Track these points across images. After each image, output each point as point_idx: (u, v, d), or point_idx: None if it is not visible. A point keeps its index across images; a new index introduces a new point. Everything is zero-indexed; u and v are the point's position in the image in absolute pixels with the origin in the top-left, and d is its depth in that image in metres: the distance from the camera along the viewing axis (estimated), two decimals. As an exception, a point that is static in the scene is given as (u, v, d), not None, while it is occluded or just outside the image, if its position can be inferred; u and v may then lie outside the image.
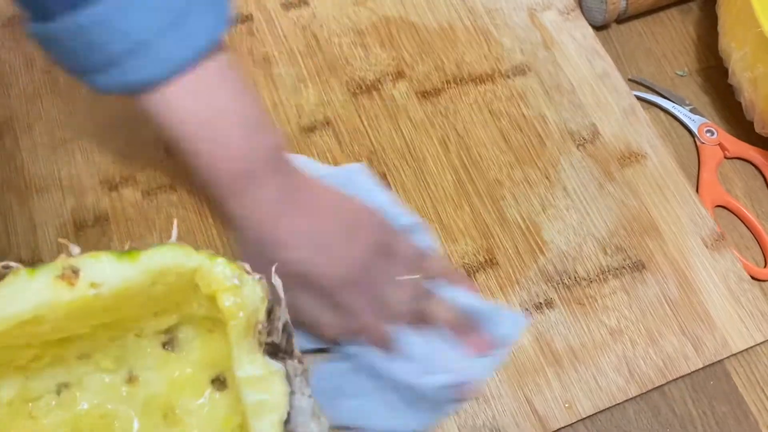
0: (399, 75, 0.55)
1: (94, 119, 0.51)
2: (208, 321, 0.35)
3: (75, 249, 0.31)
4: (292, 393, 0.30)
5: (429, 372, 0.41)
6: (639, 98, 0.57)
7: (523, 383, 0.44)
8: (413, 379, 0.41)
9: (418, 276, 0.42)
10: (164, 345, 0.35)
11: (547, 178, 0.52)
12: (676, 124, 0.57)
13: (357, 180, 0.47)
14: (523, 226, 0.50)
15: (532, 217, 0.50)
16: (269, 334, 0.31)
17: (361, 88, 0.54)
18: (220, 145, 0.37)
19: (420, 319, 0.42)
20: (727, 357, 0.47)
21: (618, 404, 0.45)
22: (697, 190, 0.54)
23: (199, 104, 0.36)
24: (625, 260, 0.49)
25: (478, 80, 0.55)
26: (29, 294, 0.29)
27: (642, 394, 0.45)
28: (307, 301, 0.40)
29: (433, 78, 0.55)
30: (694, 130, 0.56)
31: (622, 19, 0.61)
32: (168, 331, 0.35)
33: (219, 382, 0.34)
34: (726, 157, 0.56)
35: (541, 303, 0.47)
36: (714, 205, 0.53)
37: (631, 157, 0.53)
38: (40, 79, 0.52)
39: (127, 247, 0.33)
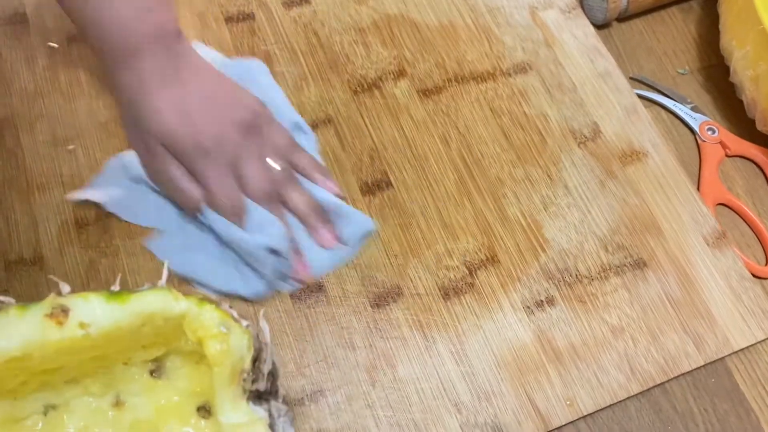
0: (400, 73, 0.55)
1: (96, 117, 0.51)
2: (195, 354, 0.35)
3: (65, 287, 0.31)
4: None
5: (270, 236, 0.44)
6: (640, 96, 0.57)
7: (524, 381, 0.44)
8: (246, 237, 0.43)
9: (282, 162, 0.46)
10: (152, 372, 0.35)
11: (548, 176, 0.52)
12: (677, 122, 0.57)
13: (254, 75, 0.51)
14: (524, 224, 0.50)
15: (534, 214, 0.50)
16: (254, 381, 0.31)
17: (363, 86, 0.54)
18: (112, 19, 0.41)
19: (275, 202, 0.45)
20: (729, 354, 0.47)
21: (619, 402, 0.45)
22: (698, 188, 0.54)
23: None
24: (626, 258, 0.49)
25: (479, 78, 0.55)
26: (18, 332, 0.29)
27: (643, 391, 0.45)
28: (170, 169, 0.44)
29: (435, 76, 0.55)
30: (696, 128, 0.56)
31: (623, 18, 0.61)
32: (156, 360, 0.35)
33: (204, 411, 0.35)
34: (727, 155, 0.56)
35: (542, 300, 0.47)
36: (715, 203, 0.53)
37: (632, 155, 0.53)
38: (42, 77, 0.52)
39: (116, 286, 0.33)
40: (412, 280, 0.47)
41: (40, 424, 0.33)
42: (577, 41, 0.57)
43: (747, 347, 0.47)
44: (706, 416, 0.45)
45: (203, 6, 0.56)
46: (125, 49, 0.42)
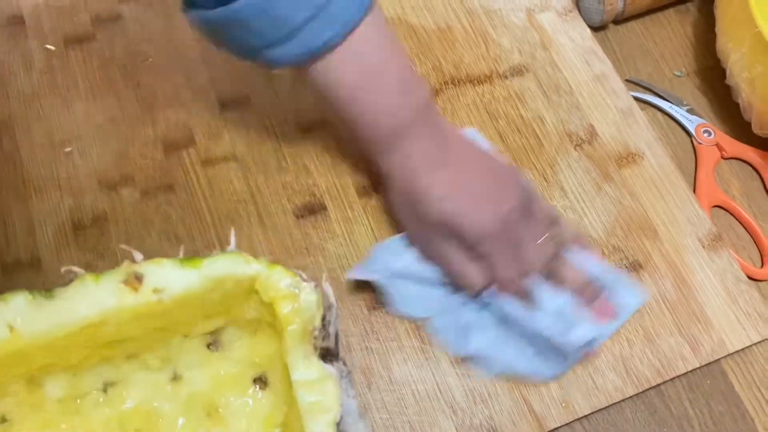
0: (397, 75, 0.55)
1: (93, 119, 0.51)
2: (253, 323, 0.36)
3: (138, 255, 0.32)
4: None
5: (568, 328, 0.43)
6: (636, 99, 0.57)
7: (520, 383, 0.44)
8: (554, 333, 0.43)
9: (553, 238, 0.44)
10: (208, 345, 0.36)
11: (544, 178, 0.52)
12: (673, 124, 0.57)
13: (476, 140, 0.49)
14: (520, 227, 0.50)
15: (530, 217, 0.50)
16: (323, 339, 0.32)
17: (359, 88, 0.54)
18: (378, 103, 0.40)
19: (550, 278, 0.44)
20: (724, 357, 0.47)
21: (615, 404, 0.45)
22: (694, 191, 0.54)
23: (361, 64, 0.38)
24: (622, 260, 0.49)
25: (476, 81, 0.55)
26: (96, 298, 0.30)
27: (639, 393, 0.45)
28: (450, 252, 0.43)
29: (431, 79, 0.55)
30: (692, 130, 0.56)
31: (619, 20, 0.61)
32: (213, 332, 0.36)
33: (261, 382, 0.35)
34: (723, 158, 0.56)
35: (538, 303, 0.47)
36: (711, 205, 0.53)
37: (628, 158, 0.53)
38: (39, 79, 0.52)
39: (181, 254, 0.33)
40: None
41: (101, 400, 0.33)
42: (574, 44, 0.58)
43: (742, 349, 0.47)
44: (702, 418, 0.45)
45: (200, 8, 0.56)
46: (391, 134, 0.41)
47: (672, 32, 0.62)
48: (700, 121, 0.57)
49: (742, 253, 0.52)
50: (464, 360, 0.44)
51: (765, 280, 0.51)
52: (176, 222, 0.48)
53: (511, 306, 0.43)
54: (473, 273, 0.43)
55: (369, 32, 0.38)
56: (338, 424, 0.31)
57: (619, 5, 0.58)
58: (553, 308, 0.43)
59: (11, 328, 0.29)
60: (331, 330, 0.33)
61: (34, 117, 0.51)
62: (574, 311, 0.44)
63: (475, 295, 0.44)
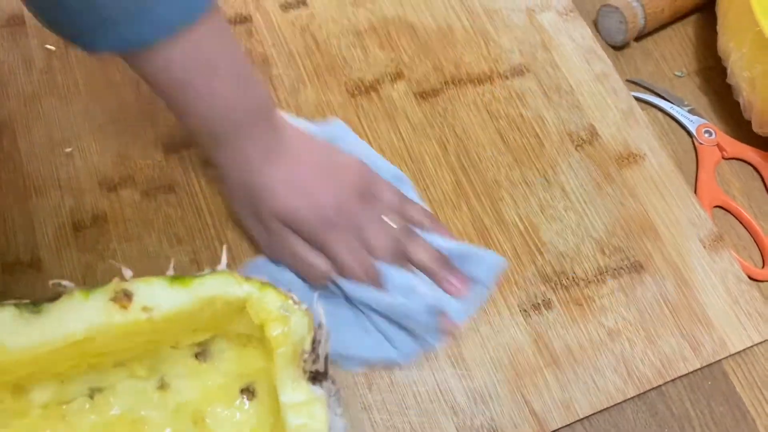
0: (397, 76, 0.55)
1: (93, 120, 0.51)
2: (242, 337, 0.36)
3: (128, 272, 0.32)
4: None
5: (420, 304, 0.43)
6: (637, 99, 0.57)
7: (521, 384, 0.44)
8: (407, 311, 0.43)
9: (398, 219, 0.45)
10: (197, 356, 0.36)
11: (545, 179, 0.52)
12: (674, 124, 0.57)
13: (339, 134, 0.50)
14: (521, 227, 0.50)
15: (531, 217, 0.50)
16: (313, 362, 0.32)
17: (360, 88, 0.54)
18: (211, 100, 0.39)
19: (401, 259, 0.45)
20: (725, 357, 0.47)
21: (616, 404, 0.45)
22: (695, 191, 0.54)
23: (192, 62, 0.37)
24: (623, 261, 0.49)
25: (476, 81, 0.55)
26: (83, 315, 0.30)
27: (640, 394, 0.45)
28: (292, 244, 0.43)
29: (432, 79, 0.55)
30: (693, 130, 0.56)
31: (640, 37, 0.60)
32: (201, 343, 0.36)
33: (248, 392, 0.35)
34: (724, 158, 0.56)
35: (539, 303, 0.47)
36: (712, 205, 0.53)
37: (629, 158, 0.53)
38: (39, 79, 0.52)
39: (171, 271, 0.33)
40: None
41: (87, 406, 0.33)
42: (575, 43, 0.58)
43: (743, 350, 0.47)
44: (703, 419, 0.45)
45: (201, 8, 0.56)
46: (226, 129, 0.41)
47: (673, 32, 0.62)
48: (701, 121, 0.57)
49: (743, 253, 0.52)
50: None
51: (766, 281, 0.50)
52: (176, 222, 0.48)
53: (360, 290, 0.43)
54: (317, 262, 0.43)
55: (201, 33, 0.36)
56: None
57: (641, 22, 0.58)
58: (403, 287, 0.44)
59: None
60: (321, 351, 0.33)
61: (34, 117, 0.51)
62: (426, 288, 0.44)
63: (323, 286, 0.44)
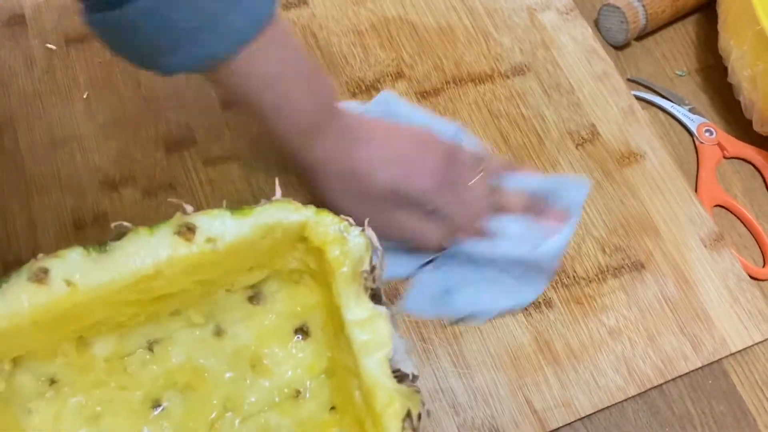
0: (398, 75, 0.55)
1: (94, 119, 0.51)
2: (294, 274, 0.36)
3: (189, 207, 0.32)
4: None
5: (536, 244, 0.45)
6: (638, 98, 0.57)
7: (522, 383, 0.44)
8: (525, 252, 0.45)
9: (482, 175, 0.46)
10: (250, 299, 0.36)
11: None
12: (675, 123, 0.57)
13: (393, 106, 0.52)
14: (522, 226, 0.50)
15: (531, 216, 0.50)
16: (372, 281, 0.33)
17: (361, 88, 0.54)
18: (290, 105, 0.40)
19: (499, 211, 0.47)
20: (726, 356, 0.47)
21: (617, 403, 0.45)
22: (695, 190, 0.54)
23: (265, 70, 0.38)
24: (623, 260, 0.49)
25: (477, 80, 0.55)
26: (150, 250, 0.30)
27: (641, 393, 0.45)
28: (403, 218, 0.44)
29: (433, 78, 0.55)
30: (693, 129, 0.56)
31: (641, 36, 0.60)
32: (254, 286, 0.36)
33: (302, 332, 0.36)
34: (725, 157, 0.56)
35: (539, 302, 0.47)
36: (713, 204, 0.53)
37: (630, 157, 0.53)
38: (40, 79, 0.52)
39: (278, 193, 0.34)
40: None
41: (147, 357, 0.34)
42: (575, 43, 0.58)
43: (744, 349, 0.47)
44: (704, 418, 0.45)
45: (201, 8, 0.56)
46: (314, 123, 0.41)
47: (673, 31, 0.62)
48: (702, 120, 0.57)
49: (743, 252, 0.52)
50: (454, 322, 0.46)
51: (767, 280, 0.50)
52: (177, 221, 0.48)
53: (478, 246, 0.45)
54: (432, 229, 0.45)
55: (270, 39, 0.37)
56: (390, 360, 0.31)
57: (642, 22, 0.58)
58: (514, 233, 0.46)
59: (69, 283, 0.29)
60: (377, 273, 0.33)
61: (35, 116, 0.51)
62: (534, 228, 0.46)
63: (439, 250, 0.46)
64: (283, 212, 0.33)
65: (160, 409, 0.34)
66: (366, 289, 0.32)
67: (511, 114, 0.54)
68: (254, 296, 0.36)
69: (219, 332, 0.35)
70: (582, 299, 0.47)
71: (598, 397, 0.44)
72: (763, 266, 0.51)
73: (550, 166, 0.52)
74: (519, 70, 0.56)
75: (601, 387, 0.45)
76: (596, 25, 0.60)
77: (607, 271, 0.49)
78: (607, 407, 0.45)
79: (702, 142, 0.56)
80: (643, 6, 0.57)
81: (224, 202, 0.34)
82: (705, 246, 0.50)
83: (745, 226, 0.53)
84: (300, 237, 0.33)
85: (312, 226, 0.33)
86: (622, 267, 0.49)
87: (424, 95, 0.54)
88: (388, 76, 0.55)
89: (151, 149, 0.50)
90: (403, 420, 0.30)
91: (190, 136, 0.51)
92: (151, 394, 0.34)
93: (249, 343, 0.35)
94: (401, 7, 0.58)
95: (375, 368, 0.31)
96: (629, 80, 0.59)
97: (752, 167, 0.56)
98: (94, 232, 0.47)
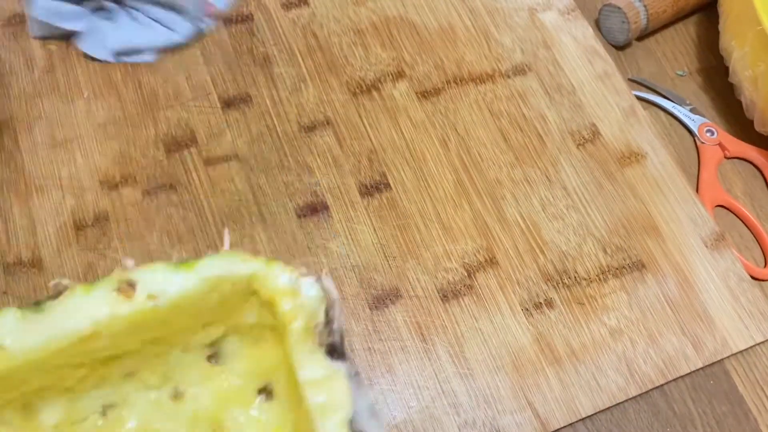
0: (399, 75, 0.55)
1: (94, 119, 0.51)
2: (255, 330, 0.34)
3: (129, 262, 0.30)
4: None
5: None
6: (639, 98, 0.57)
7: (523, 383, 0.44)
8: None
9: None
10: (209, 358, 0.34)
11: (547, 177, 0.52)
12: (676, 123, 0.57)
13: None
14: (523, 226, 0.50)
15: (532, 216, 0.50)
16: (328, 335, 0.31)
17: (361, 87, 0.54)
18: None
19: None
20: (727, 357, 0.47)
21: (618, 404, 0.45)
22: (697, 190, 0.54)
23: None
24: (625, 260, 0.49)
25: (478, 80, 0.55)
26: (88, 309, 0.29)
27: (642, 393, 0.45)
28: None
29: (433, 78, 0.55)
30: (694, 129, 0.56)
31: (642, 36, 0.60)
32: (213, 344, 0.34)
33: (266, 392, 0.34)
34: (726, 157, 0.56)
35: (541, 303, 0.47)
36: (714, 204, 0.53)
37: (631, 157, 0.53)
38: (40, 79, 0.52)
39: (174, 258, 0.32)
40: (410, 282, 0.47)
41: (100, 423, 0.32)
42: (576, 43, 0.57)
43: (745, 349, 0.47)
44: (705, 418, 0.45)
45: (202, 7, 0.56)
46: None
47: (674, 31, 0.61)
48: (703, 120, 0.57)
49: (745, 252, 0.52)
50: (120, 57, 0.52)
51: (768, 280, 0.50)
52: (178, 221, 0.48)
53: None
54: None
55: None
56: (351, 422, 0.29)
57: (643, 22, 0.58)
58: None
59: (1, 348, 0.27)
60: (336, 326, 0.31)
61: (35, 116, 0.51)
62: None
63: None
64: (229, 264, 0.31)
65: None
66: (321, 345, 0.30)
67: (512, 114, 0.54)
68: (213, 355, 0.34)
69: (177, 395, 0.32)
70: (583, 299, 0.47)
71: (599, 397, 0.44)
72: (765, 266, 0.51)
73: (551, 165, 0.52)
74: (520, 70, 0.56)
75: (603, 387, 0.45)
76: (597, 25, 0.60)
77: (608, 271, 0.49)
78: (609, 408, 0.44)
79: (703, 142, 0.56)
80: (644, 6, 0.57)
81: (174, 255, 0.32)
82: (706, 246, 0.50)
83: (746, 226, 0.53)
84: (251, 290, 0.31)
85: (260, 278, 0.31)
86: (623, 267, 0.49)
87: (424, 95, 0.54)
88: (388, 75, 0.55)
89: (152, 149, 0.50)
90: None
91: (190, 136, 0.51)
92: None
93: (209, 405, 0.33)
94: (402, 7, 0.58)
95: None
96: (630, 80, 0.59)
97: (753, 167, 0.56)
98: (95, 232, 0.47)
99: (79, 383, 0.31)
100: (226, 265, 0.31)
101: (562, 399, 0.44)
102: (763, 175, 0.55)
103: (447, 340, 0.45)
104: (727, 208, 0.54)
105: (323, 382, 0.29)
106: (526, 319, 0.46)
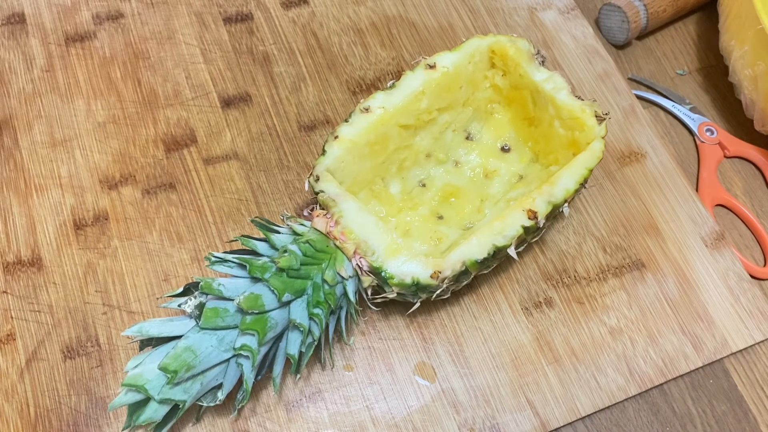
0: (399, 74, 0.55)
1: (94, 118, 0.51)
2: (489, 105, 0.51)
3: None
4: None
5: None
6: (639, 97, 0.57)
7: (523, 382, 0.44)
8: None
9: None
10: (466, 138, 0.51)
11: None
12: (675, 123, 0.57)
13: None
14: (522, 225, 0.50)
15: (532, 216, 0.50)
16: (542, 62, 0.49)
17: (361, 86, 0.54)
18: None
19: None
20: (727, 356, 0.47)
21: (618, 403, 0.45)
22: (696, 189, 0.54)
23: None
24: (624, 259, 0.49)
25: (477, 79, 0.55)
26: (416, 80, 0.46)
27: (642, 392, 0.45)
28: None
29: (433, 77, 0.55)
30: (694, 129, 0.56)
31: (642, 36, 0.60)
32: (465, 129, 0.51)
33: (504, 150, 0.51)
34: (726, 156, 0.56)
35: (540, 302, 0.47)
36: (714, 204, 0.53)
37: (630, 156, 0.53)
38: (40, 78, 0.52)
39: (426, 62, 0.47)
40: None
41: (422, 188, 0.49)
42: (576, 42, 0.57)
43: (745, 348, 0.47)
44: (705, 417, 0.45)
45: (201, 6, 0.56)
46: None
47: (674, 31, 0.61)
48: (703, 119, 0.57)
49: (745, 251, 0.52)
50: None
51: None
52: (177, 220, 0.48)
53: None
54: None
55: None
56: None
57: (643, 21, 0.58)
58: None
59: (384, 109, 0.45)
60: (543, 53, 0.49)
61: (35, 115, 0.51)
62: None
63: None
64: (476, 42, 0.48)
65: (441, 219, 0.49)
66: (540, 63, 0.48)
67: (512, 113, 0.54)
68: (468, 136, 0.51)
69: (457, 163, 0.50)
70: (583, 299, 0.47)
71: (599, 396, 0.44)
72: (764, 265, 0.51)
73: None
74: (520, 70, 0.56)
75: (602, 386, 0.45)
76: (597, 24, 0.60)
77: (608, 270, 0.49)
78: (608, 407, 0.45)
79: (703, 142, 0.56)
80: (644, 5, 0.57)
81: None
82: (706, 245, 0.50)
83: (745, 225, 0.53)
84: (490, 64, 0.49)
85: (496, 43, 0.48)
86: (623, 266, 0.49)
87: (424, 94, 0.54)
88: (388, 74, 0.55)
89: (151, 148, 0.50)
90: (596, 117, 0.46)
91: (190, 135, 0.51)
92: (434, 210, 0.48)
93: (477, 163, 0.50)
94: (402, 6, 0.58)
95: (565, 99, 0.47)
96: (630, 79, 0.59)
97: (753, 166, 0.56)
98: (95, 231, 0.47)
99: (404, 162, 0.49)
100: (473, 43, 0.48)
101: (562, 398, 0.44)
102: (762, 174, 0.55)
103: (447, 340, 0.45)
104: (727, 207, 0.54)
105: (549, 79, 0.47)
106: (526, 318, 0.46)
